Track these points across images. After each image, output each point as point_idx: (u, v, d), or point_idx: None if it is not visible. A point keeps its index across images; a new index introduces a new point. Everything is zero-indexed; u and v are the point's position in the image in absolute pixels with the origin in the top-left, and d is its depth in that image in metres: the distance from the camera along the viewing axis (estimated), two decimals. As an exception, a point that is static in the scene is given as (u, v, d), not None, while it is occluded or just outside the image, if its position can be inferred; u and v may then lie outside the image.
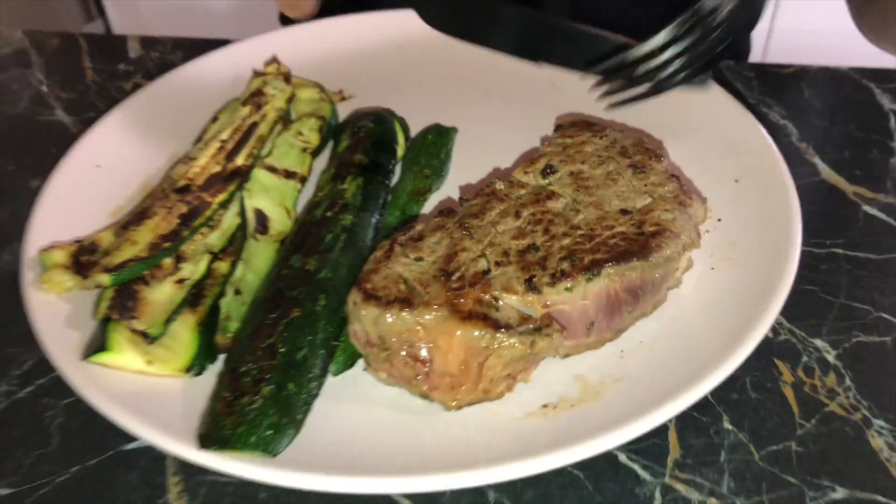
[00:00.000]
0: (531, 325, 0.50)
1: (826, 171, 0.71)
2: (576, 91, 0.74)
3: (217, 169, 0.66)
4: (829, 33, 1.12)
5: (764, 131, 0.67)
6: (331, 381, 0.52)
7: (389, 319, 0.50)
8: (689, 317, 0.55)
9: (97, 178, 0.67)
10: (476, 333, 0.49)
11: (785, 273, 0.55)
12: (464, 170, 0.70)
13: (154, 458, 0.51)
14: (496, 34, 0.68)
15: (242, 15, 2.23)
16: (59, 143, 0.76)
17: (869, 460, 0.50)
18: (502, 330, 0.49)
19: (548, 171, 0.61)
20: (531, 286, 0.51)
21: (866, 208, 0.67)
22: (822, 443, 0.51)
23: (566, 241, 0.54)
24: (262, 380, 0.49)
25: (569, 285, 0.51)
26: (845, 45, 0.94)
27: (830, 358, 0.56)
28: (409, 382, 0.50)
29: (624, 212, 0.56)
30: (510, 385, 0.50)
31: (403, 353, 0.50)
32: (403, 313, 0.50)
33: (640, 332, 0.55)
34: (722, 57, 0.59)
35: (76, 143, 0.70)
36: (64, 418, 0.54)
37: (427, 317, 0.49)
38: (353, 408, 0.51)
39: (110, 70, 0.87)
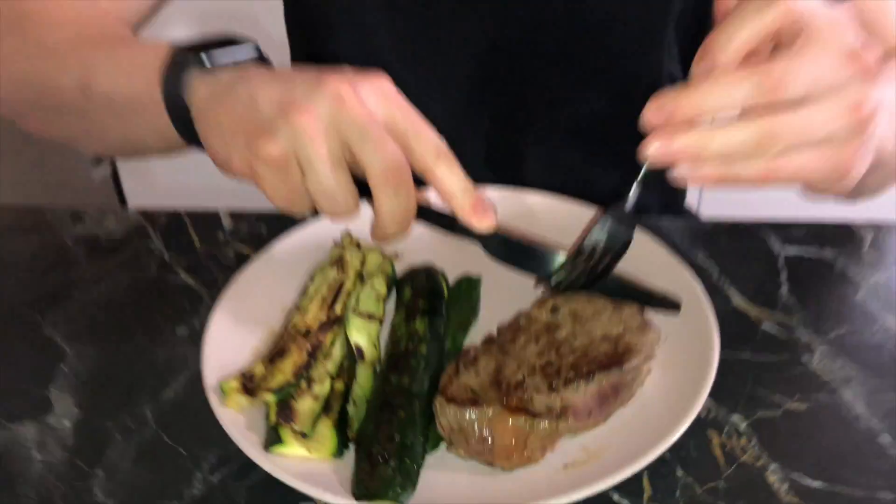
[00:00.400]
0: (554, 415, 0.79)
1: (737, 299, 1.01)
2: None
3: (323, 318, 0.96)
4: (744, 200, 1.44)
5: (694, 281, 0.98)
6: (428, 457, 0.81)
7: (465, 416, 0.79)
8: (651, 405, 0.85)
9: (237, 328, 0.96)
10: (520, 421, 0.78)
11: (709, 374, 0.85)
12: (491, 303, 1.00)
13: None
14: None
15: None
16: (190, 298, 1.05)
17: (768, 490, 0.78)
18: (537, 418, 0.78)
19: (554, 309, 0.91)
20: (552, 388, 0.80)
21: (764, 325, 0.98)
22: (739, 480, 0.78)
23: (570, 359, 0.84)
24: (390, 457, 0.77)
25: (575, 387, 0.81)
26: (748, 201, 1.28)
27: (742, 427, 0.83)
28: (479, 455, 0.79)
29: (604, 337, 0.87)
30: (543, 453, 0.79)
31: (475, 436, 0.78)
32: (473, 411, 0.79)
33: (620, 417, 0.83)
34: (608, 272, 0.79)
35: (217, 302, 0.98)
36: (248, 494, 0.80)
37: (489, 412, 0.79)
38: (443, 472, 0.79)
39: (212, 239, 1.13)
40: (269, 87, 0.58)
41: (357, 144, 0.57)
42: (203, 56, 0.62)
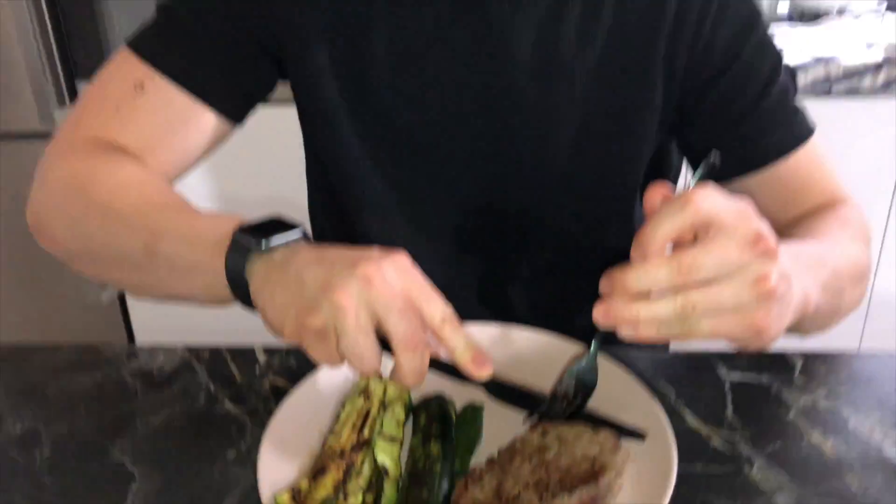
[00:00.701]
0: (542, 521, 0.99)
1: (689, 419, 1.15)
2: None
3: (354, 440, 1.16)
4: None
5: (657, 407, 1.17)
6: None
7: (473, 519, 0.98)
8: (623, 512, 1.04)
9: (284, 448, 1.17)
10: (514, 525, 0.97)
11: (668, 486, 1.05)
12: (492, 429, 1.21)
13: None
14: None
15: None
16: (235, 425, 1.24)
17: None
18: (528, 524, 0.98)
19: (543, 433, 1.12)
20: (542, 500, 1.01)
21: (713, 441, 1.15)
22: None
23: (557, 476, 1.04)
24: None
25: (561, 498, 1.01)
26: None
27: None
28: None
29: (584, 457, 1.07)
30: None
31: (481, 536, 0.98)
32: (480, 516, 0.98)
33: (598, 524, 1.02)
34: (582, 407, 0.93)
35: (267, 427, 1.19)
36: None
37: (492, 516, 0.98)
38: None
39: (251, 372, 1.33)
40: (313, 269, 0.69)
41: (383, 317, 0.69)
42: (263, 241, 0.73)
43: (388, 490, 1.09)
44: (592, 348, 0.89)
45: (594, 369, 0.90)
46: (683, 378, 1.26)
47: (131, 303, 2.94)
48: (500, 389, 0.96)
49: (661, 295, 0.66)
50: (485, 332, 1.33)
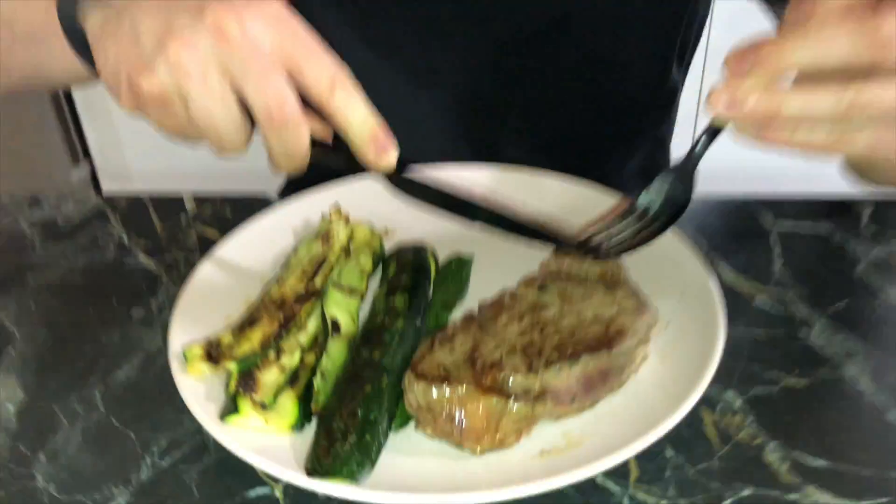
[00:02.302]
0: (532, 397, 0.71)
1: (728, 275, 0.92)
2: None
3: (302, 289, 0.89)
4: (721, 167, 1.36)
5: (702, 265, 0.90)
6: (393, 435, 0.73)
7: (434, 392, 0.71)
8: (645, 391, 0.76)
9: (212, 296, 0.90)
10: (494, 402, 0.70)
11: (712, 358, 0.77)
12: (479, 286, 0.92)
13: (270, 500, 0.70)
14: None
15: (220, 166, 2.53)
16: (147, 281, 0.99)
17: (766, 470, 0.70)
18: (512, 399, 0.70)
19: (542, 287, 0.83)
20: (531, 369, 0.72)
21: (758, 299, 0.89)
22: (735, 461, 0.71)
23: (555, 339, 0.76)
24: (349, 433, 0.69)
25: (558, 369, 0.72)
26: (728, 175, 1.19)
27: (737, 405, 0.76)
28: (448, 436, 0.71)
29: (595, 319, 0.79)
30: (518, 436, 0.71)
31: (444, 415, 0.71)
32: (444, 388, 0.71)
33: (609, 403, 0.75)
34: (655, 237, 0.73)
35: (192, 272, 0.92)
36: (199, 478, 0.73)
37: (460, 390, 0.71)
38: (408, 453, 0.71)
39: (175, 222, 1.08)
40: (151, 16, 0.54)
41: (239, 80, 0.54)
42: None
43: (336, 350, 0.82)
44: (699, 149, 0.65)
45: (691, 183, 0.69)
46: (718, 226, 0.99)
47: (104, 182, 2.73)
48: (497, 220, 0.75)
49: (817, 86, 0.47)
50: (493, 175, 1.04)
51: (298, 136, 0.56)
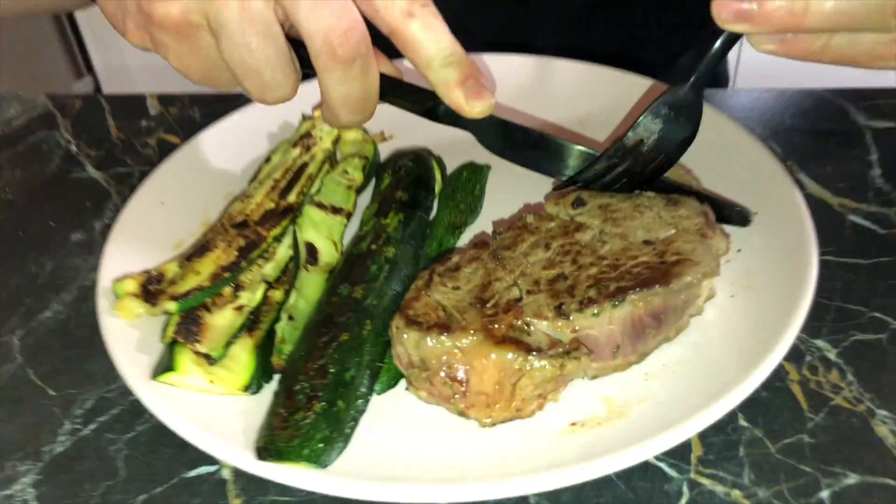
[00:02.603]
0: (560, 349, 0.53)
1: (812, 187, 0.73)
2: (603, 132, 0.78)
3: (271, 205, 0.71)
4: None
5: (783, 175, 0.69)
6: (375, 399, 0.56)
7: (430, 343, 0.53)
8: (711, 341, 0.58)
9: (162, 214, 0.72)
10: (509, 356, 0.52)
11: (802, 299, 0.57)
12: (497, 204, 0.73)
13: (215, 483, 0.54)
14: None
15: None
16: (93, 197, 0.81)
17: (876, 448, 0.52)
18: (533, 353, 0.52)
19: (577, 203, 0.64)
20: (560, 312, 0.54)
21: (852, 218, 0.69)
22: (831, 434, 0.54)
23: (593, 271, 0.57)
24: (315, 397, 0.52)
25: (596, 311, 0.54)
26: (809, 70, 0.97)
27: (832, 356, 0.59)
28: (448, 401, 0.53)
29: (647, 242, 0.59)
30: (541, 404, 0.53)
31: (442, 373, 0.53)
32: (442, 337, 0.53)
33: (664, 356, 0.57)
34: (664, 171, 0.63)
35: (142, 182, 0.74)
36: (128, 451, 0.56)
37: (464, 341, 0.53)
38: (395, 424, 0.54)
39: (133, 127, 0.90)
40: None
41: (291, 3, 0.42)
42: None
43: (311, 285, 0.64)
44: (703, 68, 0.55)
45: (696, 110, 0.57)
46: (797, 127, 0.79)
47: (108, 92, 2.56)
48: (506, 138, 0.62)
49: None
50: (506, 62, 0.84)
51: (368, 74, 0.46)
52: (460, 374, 0.53)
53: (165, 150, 0.84)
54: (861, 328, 0.61)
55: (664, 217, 0.61)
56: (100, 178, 0.83)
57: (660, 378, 0.56)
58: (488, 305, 0.55)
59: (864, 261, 0.67)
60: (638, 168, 0.62)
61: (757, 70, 1.37)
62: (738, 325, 0.58)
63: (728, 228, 0.65)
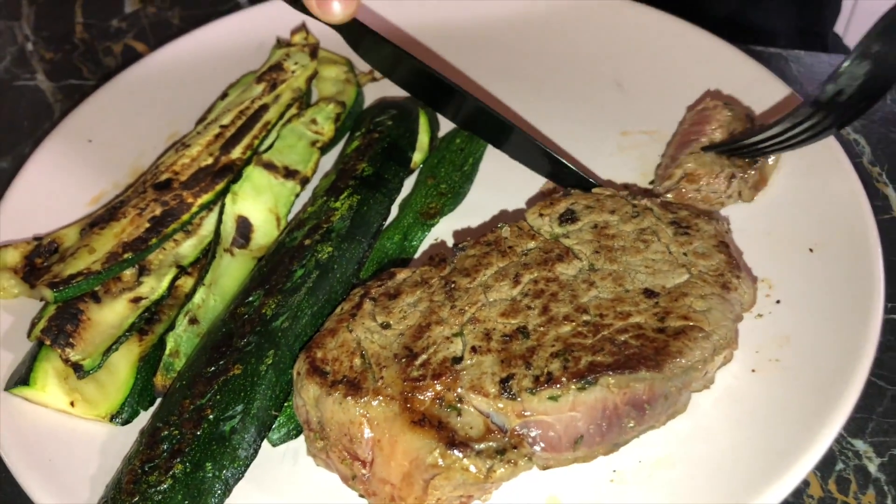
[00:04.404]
0: (494, 444, 0.39)
1: None
2: (642, 96, 0.61)
3: (208, 161, 0.57)
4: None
5: (861, 190, 0.52)
6: (267, 454, 0.44)
7: (331, 403, 0.40)
8: (710, 436, 0.43)
9: (86, 155, 0.60)
10: (425, 444, 0.39)
11: (845, 394, 0.42)
12: (488, 190, 0.58)
13: None
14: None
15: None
16: (33, 114, 0.69)
17: None
18: (457, 448, 0.38)
19: (567, 217, 0.48)
20: (506, 389, 0.40)
21: None
22: None
23: (565, 329, 0.42)
24: (179, 452, 0.40)
25: (554, 394, 0.40)
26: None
27: (872, 468, 0.44)
28: (346, 481, 0.41)
29: (649, 293, 0.44)
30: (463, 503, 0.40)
31: (342, 447, 0.40)
32: (348, 399, 0.40)
33: (645, 448, 0.43)
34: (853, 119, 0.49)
35: (75, 109, 0.61)
36: None
37: (374, 407, 0.40)
38: (284, 495, 0.42)
39: (102, 27, 0.77)
40: None
41: None
42: None
43: (233, 274, 0.51)
44: None
45: None
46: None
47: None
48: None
49: None
50: None
51: None
52: (364, 452, 0.40)
53: (129, 59, 0.71)
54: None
55: (675, 253, 0.45)
56: (47, 90, 0.71)
57: (630, 482, 0.42)
58: (417, 363, 0.41)
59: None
60: (828, 123, 0.48)
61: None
62: (752, 417, 0.43)
63: (764, 270, 0.49)
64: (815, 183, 0.53)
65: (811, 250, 0.50)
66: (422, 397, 0.40)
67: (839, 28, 0.95)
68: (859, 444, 0.46)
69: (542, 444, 0.40)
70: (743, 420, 0.43)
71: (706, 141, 0.54)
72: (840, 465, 0.45)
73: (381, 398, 0.40)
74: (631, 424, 0.42)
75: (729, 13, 0.83)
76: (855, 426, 0.46)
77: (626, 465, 0.42)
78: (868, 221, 0.50)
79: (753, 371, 0.46)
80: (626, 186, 0.56)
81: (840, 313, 0.47)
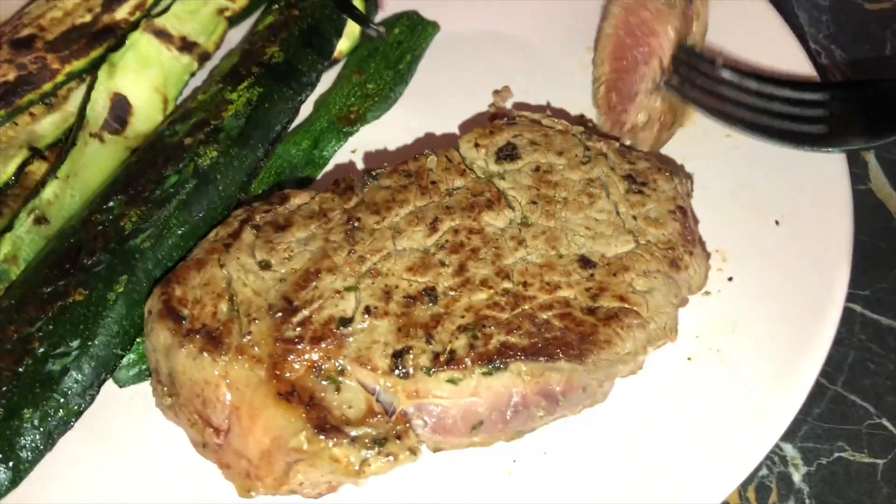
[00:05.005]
0: (374, 432, 0.33)
1: (878, 180, 0.50)
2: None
3: (85, 18, 0.46)
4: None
5: (843, 158, 0.45)
6: (110, 394, 0.37)
7: (184, 356, 0.33)
8: (629, 428, 0.38)
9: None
10: (290, 424, 0.32)
11: (790, 398, 0.37)
12: (420, 100, 0.49)
13: None
14: None
15: None
16: None
17: None
18: (328, 433, 0.32)
19: (507, 153, 0.40)
20: (400, 365, 0.33)
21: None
22: None
23: (480, 297, 0.35)
24: (-5, 394, 0.33)
25: (455, 377, 0.33)
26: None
27: (797, 477, 0.40)
28: (196, 447, 0.34)
29: (585, 262, 0.37)
30: (331, 489, 0.34)
31: (193, 408, 0.33)
32: (205, 355, 0.33)
33: (551, 437, 0.37)
34: None
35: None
36: None
37: (236, 369, 0.33)
38: (121, 451, 0.35)
39: None
40: None
41: None
42: None
43: (99, 166, 0.42)
44: None
45: None
46: None
47: None
48: None
49: None
50: None
51: None
52: (218, 419, 0.33)
53: None
54: (853, 441, 0.41)
55: (623, 214, 0.38)
56: None
57: (533, 471, 0.36)
58: (295, 320, 0.34)
59: (902, 325, 0.45)
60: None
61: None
62: (680, 416, 0.38)
63: (722, 239, 0.43)
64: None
65: (777, 222, 0.44)
66: (295, 364, 0.33)
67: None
68: (788, 449, 0.41)
69: (434, 427, 0.34)
70: (668, 416, 0.38)
71: (657, 68, 0.45)
72: (764, 471, 0.40)
73: (244, 358, 0.33)
74: (540, 414, 0.36)
75: None
76: (787, 428, 0.41)
77: (527, 454, 0.37)
78: (844, 199, 0.44)
79: (689, 360, 0.40)
80: (582, 120, 0.48)
81: (796, 299, 0.41)
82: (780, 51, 0.50)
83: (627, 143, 0.45)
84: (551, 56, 0.51)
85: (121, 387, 0.37)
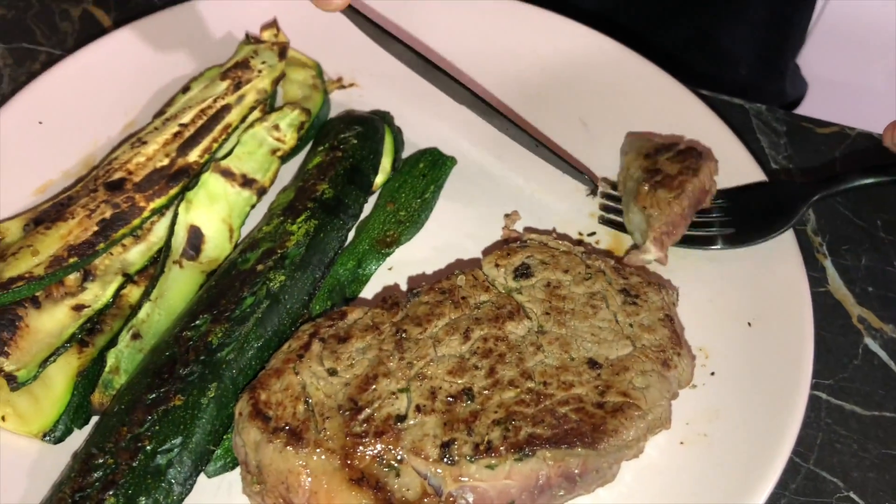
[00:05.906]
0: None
1: (835, 282, 0.58)
2: (607, 137, 0.61)
3: (164, 162, 0.55)
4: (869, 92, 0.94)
5: (802, 274, 0.53)
6: (200, 484, 0.44)
7: (272, 451, 0.40)
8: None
9: (35, 138, 0.57)
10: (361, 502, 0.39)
11: (768, 474, 0.44)
12: (447, 222, 0.58)
13: None
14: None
15: None
16: None
17: None
18: (392, 509, 0.39)
19: (522, 270, 0.49)
20: (447, 454, 0.40)
21: (868, 341, 0.55)
22: None
23: (508, 395, 0.43)
24: (113, 484, 0.40)
25: (492, 462, 0.40)
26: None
27: None
28: (281, 527, 0.41)
29: (592, 364, 0.45)
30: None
31: (278, 493, 0.40)
32: (289, 449, 0.40)
33: (573, 511, 0.44)
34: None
35: (23, 88, 0.58)
36: None
37: (314, 460, 0.40)
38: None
39: None
40: None
41: None
42: None
43: (181, 288, 0.50)
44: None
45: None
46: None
47: None
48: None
49: None
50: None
51: None
52: (300, 502, 0.40)
53: (87, 29, 0.67)
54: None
55: (621, 323, 0.46)
56: (-6, 51, 0.66)
57: (555, 545, 0.43)
58: (360, 417, 0.41)
59: (862, 410, 0.53)
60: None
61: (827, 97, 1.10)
62: (676, 492, 0.45)
63: (704, 338, 0.50)
64: (761, 257, 0.55)
65: (749, 324, 0.52)
66: (362, 454, 0.40)
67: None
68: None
69: (474, 506, 0.41)
70: (666, 493, 0.45)
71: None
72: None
73: (321, 450, 0.40)
74: (561, 493, 0.43)
75: (696, 31, 0.83)
76: (767, 501, 0.48)
77: (552, 528, 0.44)
78: (805, 303, 0.52)
79: (682, 444, 0.47)
80: (580, 242, 0.57)
81: (769, 390, 0.49)
82: (742, 173, 0.60)
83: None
84: (553, 180, 0.60)
85: (209, 477, 0.44)
